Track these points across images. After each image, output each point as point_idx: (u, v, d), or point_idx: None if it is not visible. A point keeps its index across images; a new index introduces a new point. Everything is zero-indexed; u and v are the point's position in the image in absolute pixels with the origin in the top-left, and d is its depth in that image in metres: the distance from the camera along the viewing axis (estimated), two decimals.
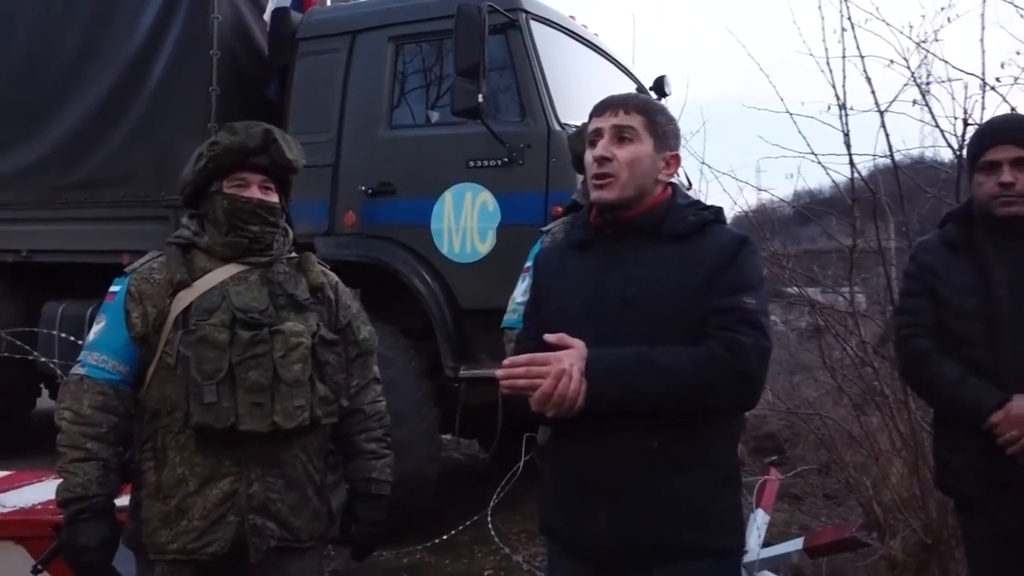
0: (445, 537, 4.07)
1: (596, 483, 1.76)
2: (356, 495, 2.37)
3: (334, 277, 2.38)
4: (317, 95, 5.15)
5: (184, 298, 2.11)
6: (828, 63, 3.53)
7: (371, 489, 2.36)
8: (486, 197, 4.59)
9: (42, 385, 6.71)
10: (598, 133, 1.87)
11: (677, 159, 1.91)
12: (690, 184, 5.66)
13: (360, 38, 5.13)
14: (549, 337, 1.73)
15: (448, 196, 4.67)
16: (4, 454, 5.79)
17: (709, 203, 1.99)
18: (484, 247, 4.60)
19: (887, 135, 3.64)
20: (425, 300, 4.66)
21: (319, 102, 5.13)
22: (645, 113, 1.87)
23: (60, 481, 2.05)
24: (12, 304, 6.29)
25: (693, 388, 1.67)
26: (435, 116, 5.04)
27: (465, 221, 4.62)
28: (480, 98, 4.26)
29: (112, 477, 2.08)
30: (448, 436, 5.71)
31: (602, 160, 1.84)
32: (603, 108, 1.89)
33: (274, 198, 2.25)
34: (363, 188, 4.90)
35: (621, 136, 1.84)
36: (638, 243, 1.83)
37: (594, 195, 1.87)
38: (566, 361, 1.67)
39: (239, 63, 5.37)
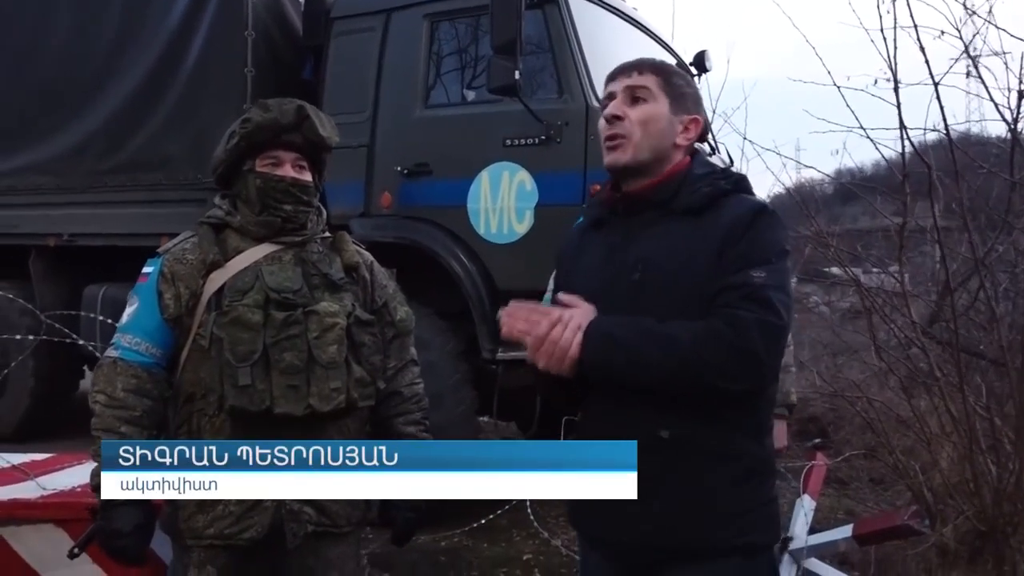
0: (484, 521, 4.02)
1: None
2: None
3: (369, 256, 2.33)
4: (352, 75, 5.10)
5: (217, 279, 2.08)
6: (883, 32, 3.42)
7: None
8: (523, 176, 4.51)
9: (84, 367, 6.79)
10: (611, 96, 1.78)
11: (697, 123, 1.78)
12: (732, 161, 5.54)
13: (395, 16, 5.07)
14: (562, 296, 1.68)
15: (485, 176, 4.60)
16: (46, 436, 5.90)
17: (734, 171, 1.87)
18: (521, 227, 4.52)
19: (941, 107, 3.51)
20: (462, 282, 4.60)
21: (354, 82, 5.08)
22: (660, 73, 1.77)
23: (94, 465, 2.03)
24: (54, 287, 6.36)
25: (690, 360, 1.55)
26: (471, 95, 4.97)
27: (502, 201, 4.55)
28: (517, 75, 4.17)
29: None
30: (486, 418, 5.68)
31: (612, 119, 1.74)
32: (616, 73, 1.79)
33: (308, 177, 2.20)
34: (399, 168, 4.85)
35: (635, 96, 1.74)
36: (651, 219, 1.72)
37: (607, 159, 1.76)
38: (567, 313, 1.62)
39: (274, 44, 5.34)
